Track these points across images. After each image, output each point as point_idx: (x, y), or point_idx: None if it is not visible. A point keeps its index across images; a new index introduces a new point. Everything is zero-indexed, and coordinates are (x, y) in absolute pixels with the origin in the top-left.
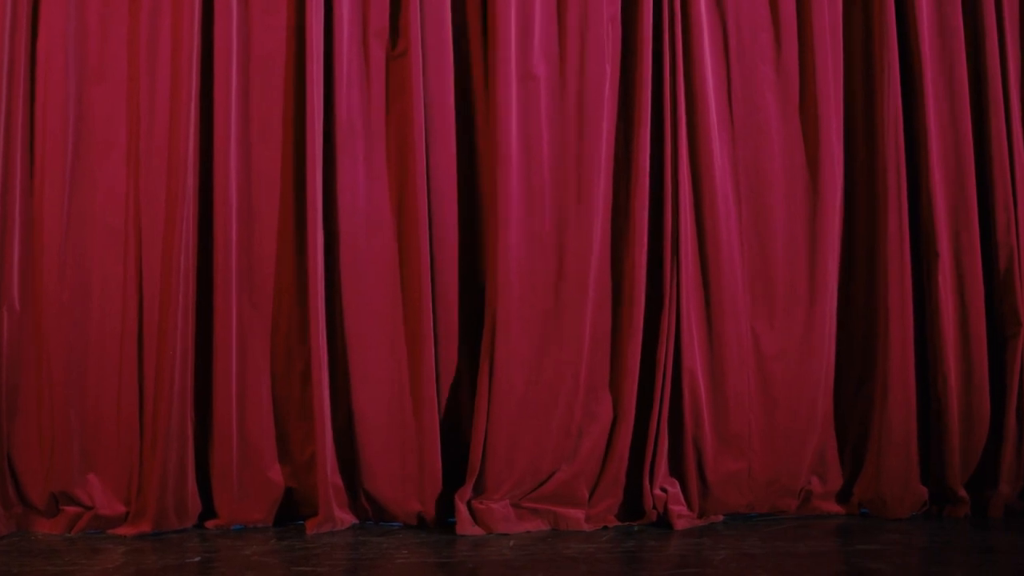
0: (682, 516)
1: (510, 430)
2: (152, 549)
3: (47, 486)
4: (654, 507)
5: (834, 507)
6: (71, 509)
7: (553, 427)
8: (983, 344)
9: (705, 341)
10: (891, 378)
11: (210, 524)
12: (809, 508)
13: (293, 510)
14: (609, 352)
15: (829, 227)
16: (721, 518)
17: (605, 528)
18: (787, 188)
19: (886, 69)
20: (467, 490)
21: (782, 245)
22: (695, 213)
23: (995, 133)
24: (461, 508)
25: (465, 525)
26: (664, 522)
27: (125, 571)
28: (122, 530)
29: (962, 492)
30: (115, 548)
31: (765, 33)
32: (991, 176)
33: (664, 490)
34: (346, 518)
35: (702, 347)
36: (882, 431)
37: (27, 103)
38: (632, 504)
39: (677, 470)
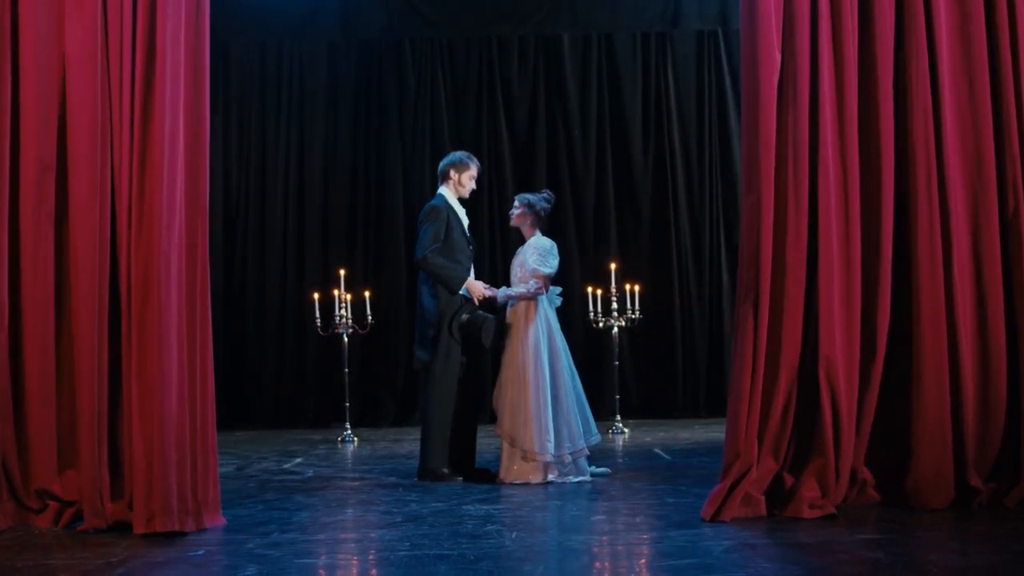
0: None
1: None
2: (154, 543)
3: (31, 483)
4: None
5: (875, 496)
6: (55, 504)
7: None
8: (1000, 333)
9: (844, 328)
10: (925, 367)
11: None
12: (865, 498)
13: None
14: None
15: None
16: None
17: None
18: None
19: (914, 59)
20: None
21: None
22: (843, 200)
23: (1006, 120)
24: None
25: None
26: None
27: (129, 564)
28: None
29: (976, 482)
30: (118, 542)
31: None
32: (1003, 162)
33: None
34: None
35: (842, 334)
36: (916, 421)
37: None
38: None
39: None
